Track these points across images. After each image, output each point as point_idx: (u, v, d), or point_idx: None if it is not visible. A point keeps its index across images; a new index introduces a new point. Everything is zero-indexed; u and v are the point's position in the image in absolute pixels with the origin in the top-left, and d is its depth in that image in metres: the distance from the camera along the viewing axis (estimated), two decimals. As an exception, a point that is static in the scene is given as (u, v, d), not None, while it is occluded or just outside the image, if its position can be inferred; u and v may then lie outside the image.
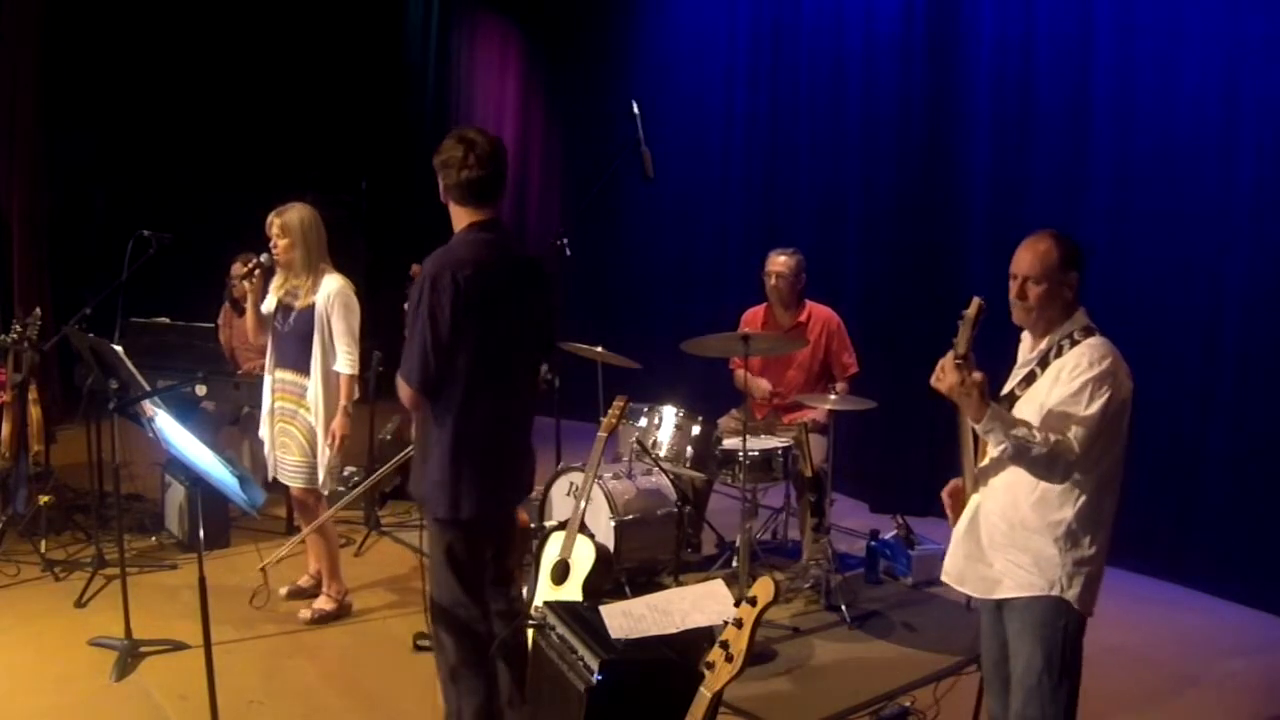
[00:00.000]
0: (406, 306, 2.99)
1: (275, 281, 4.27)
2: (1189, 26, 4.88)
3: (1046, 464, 2.53)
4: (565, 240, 4.60)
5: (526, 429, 3.18)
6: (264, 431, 4.34)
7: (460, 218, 2.98)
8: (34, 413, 5.21)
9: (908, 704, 3.67)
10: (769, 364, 5.16)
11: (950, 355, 2.59)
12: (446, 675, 3.07)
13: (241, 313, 5.84)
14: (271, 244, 4.15)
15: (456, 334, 2.84)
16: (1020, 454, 2.53)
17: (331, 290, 4.15)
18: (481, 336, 2.89)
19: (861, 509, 6.20)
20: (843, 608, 4.47)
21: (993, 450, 2.62)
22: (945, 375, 2.58)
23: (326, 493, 4.35)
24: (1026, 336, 2.80)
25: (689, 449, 4.79)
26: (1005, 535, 2.67)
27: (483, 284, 2.88)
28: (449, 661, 3.05)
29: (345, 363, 4.17)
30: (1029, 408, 2.63)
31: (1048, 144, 5.44)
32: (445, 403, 2.91)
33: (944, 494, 2.90)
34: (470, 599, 3.02)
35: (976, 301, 2.63)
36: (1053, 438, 2.50)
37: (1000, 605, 2.72)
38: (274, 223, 4.14)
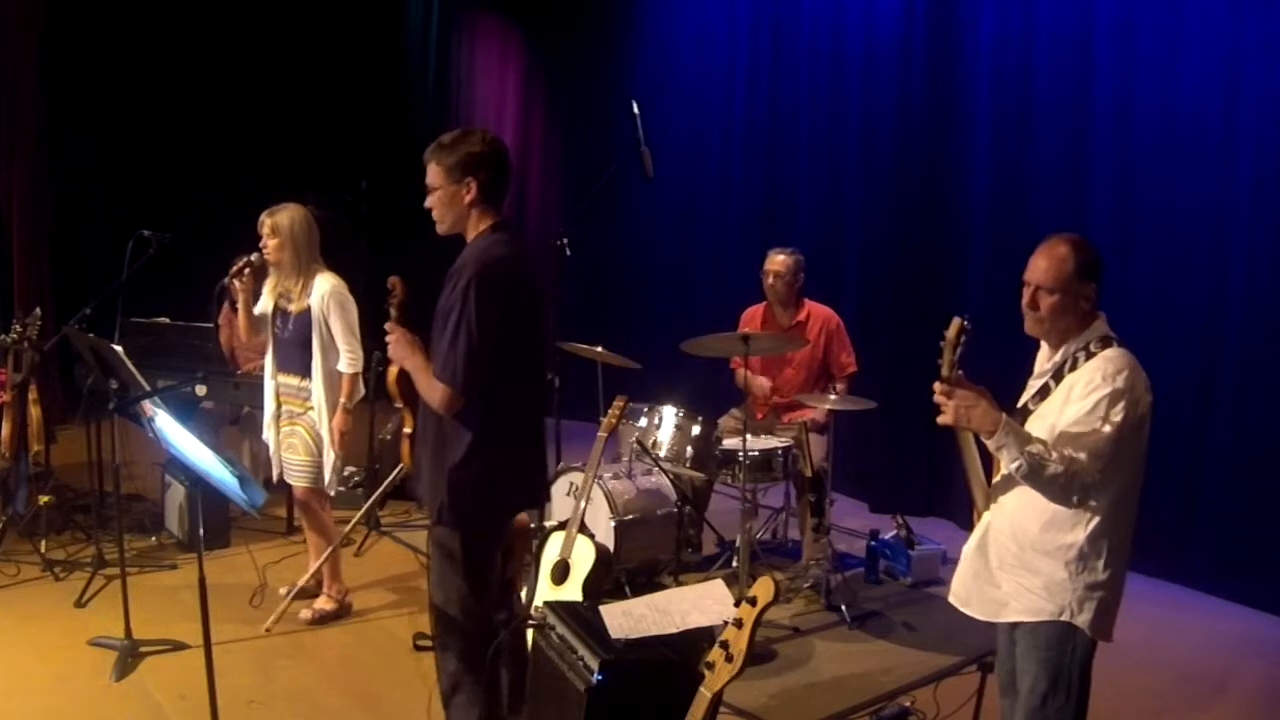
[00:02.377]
0: (388, 326, 2.97)
1: (268, 283, 4.27)
2: (1189, 26, 4.88)
3: (1063, 485, 2.38)
4: (565, 240, 4.60)
5: (544, 430, 3.17)
6: (269, 436, 4.34)
7: (478, 219, 2.92)
8: (34, 413, 5.20)
9: (908, 704, 3.67)
10: (768, 363, 5.16)
11: (938, 387, 2.48)
12: (448, 685, 3.02)
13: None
14: (262, 243, 4.16)
15: (499, 336, 2.80)
16: (1035, 472, 2.37)
17: (325, 290, 4.15)
18: (517, 338, 2.88)
19: (861, 509, 6.20)
20: (843, 608, 4.47)
21: (1006, 466, 2.48)
22: (945, 404, 2.47)
23: (332, 494, 4.35)
24: (1044, 345, 2.68)
25: (689, 449, 4.79)
26: (1015, 556, 2.57)
27: (518, 285, 2.87)
28: (453, 671, 3.00)
29: (347, 361, 4.17)
30: (1041, 425, 2.51)
31: (1048, 144, 5.43)
32: (481, 405, 2.84)
33: (975, 520, 2.81)
34: (484, 607, 2.98)
35: (956, 322, 2.51)
36: (1069, 453, 2.38)
37: (1014, 625, 2.64)
38: (265, 222, 4.15)
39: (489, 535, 2.99)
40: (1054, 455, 2.38)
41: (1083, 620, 2.50)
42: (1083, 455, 2.39)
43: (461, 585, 2.93)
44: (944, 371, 2.49)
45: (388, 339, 2.99)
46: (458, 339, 2.76)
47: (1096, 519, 2.48)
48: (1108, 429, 2.40)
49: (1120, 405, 2.41)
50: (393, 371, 3.08)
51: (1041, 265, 2.54)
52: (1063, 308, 2.52)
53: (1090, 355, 2.50)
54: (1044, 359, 2.67)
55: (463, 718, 3.00)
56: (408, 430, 3.18)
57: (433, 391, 2.83)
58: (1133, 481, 2.52)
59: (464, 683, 2.99)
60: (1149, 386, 2.50)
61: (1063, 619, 2.51)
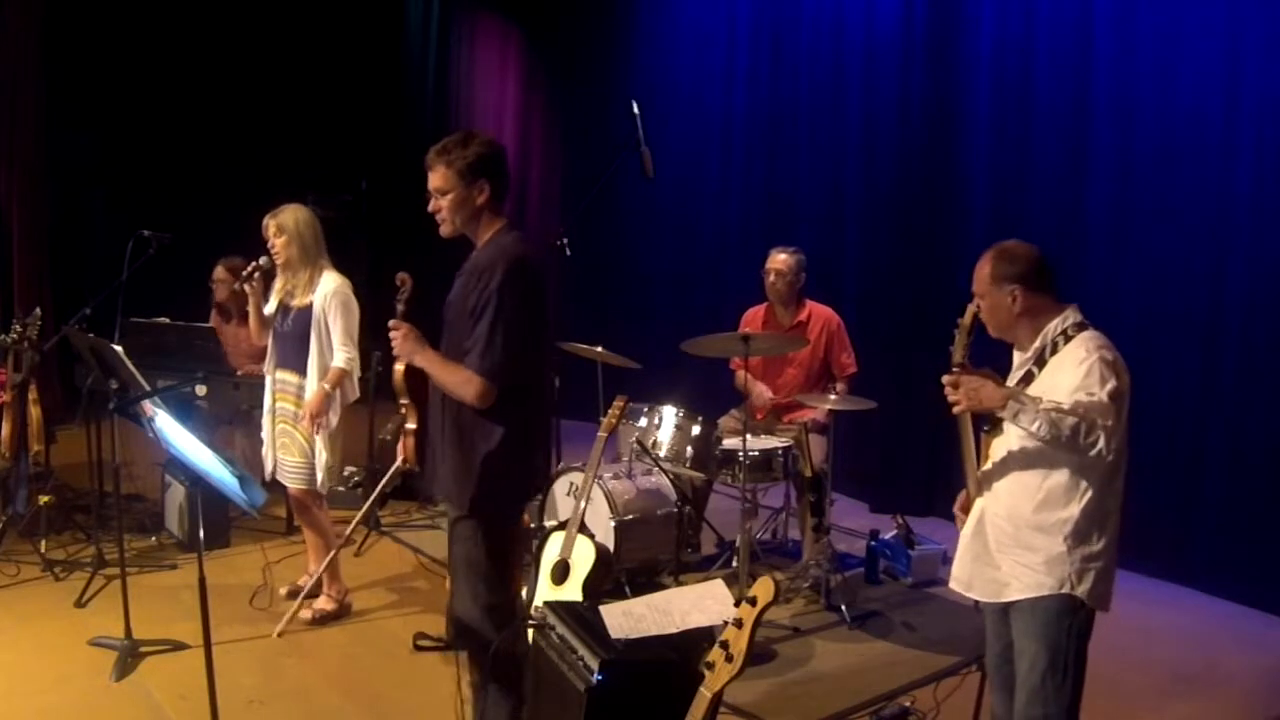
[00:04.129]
0: (394, 323, 3.00)
1: (276, 283, 4.28)
2: (1189, 26, 4.88)
3: (1085, 432, 2.47)
4: (565, 240, 4.60)
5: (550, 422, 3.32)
6: (265, 431, 4.34)
7: (490, 220, 2.97)
8: (34, 413, 5.21)
9: (908, 704, 3.67)
10: (769, 363, 5.16)
11: (946, 379, 2.60)
12: (480, 679, 3.02)
13: (227, 317, 5.85)
14: (270, 245, 4.16)
15: (530, 331, 2.90)
16: (1055, 426, 2.47)
17: (329, 289, 4.15)
18: (539, 332, 2.98)
19: (861, 509, 6.20)
20: (843, 608, 4.47)
21: (1026, 431, 2.55)
22: (959, 388, 2.58)
23: (325, 492, 4.34)
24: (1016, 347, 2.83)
25: (689, 449, 4.78)
26: (1012, 537, 2.67)
27: (538, 282, 2.96)
28: (485, 664, 2.98)
29: (341, 359, 4.15)
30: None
31: (1047, 144, 5.43)
32: (511, 398, 2.89)
33: (956, 509, 2.90)
34: (510, 597, 3.06)
35: (971, 309, 2.67)
36: (1081, 408, 2.49)
37: (1007, 606, 2.72)
38: (269, 224, 4.16)
39: (507, 523, 3.06)
40: (1068, 406, 2.50)
41: (1083, 590, 2.59)
42: (1091, 410, 2.50)
43: (494, 575, 2.97)
44: (956, 357, 2.64)
45: (392, 335, 3.00)
46: (495, 333, 2.82)
47: (1089, 493, 2.59)
48: (1109, 386, 2.53)
49: (1110, 371, 2.55)
50: (399, 368, 3.08)
51: (975, 273, 2.77)
52: (991, 309, 2.72)
53: (1069, 338, 2.65)
54: (1019, 355, 2.81)
55: (495, 713, 2.99)
56: (411, 426, 3.17)
57: (466, 385, 2.86)
58: (1120, 455, 2.61)
59: (493, 679, 2.98)
60: (1125, 367, 2.62)
61: (1063, 591, 2.60)
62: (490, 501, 2.93)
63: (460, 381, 2.87)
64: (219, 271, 5.77)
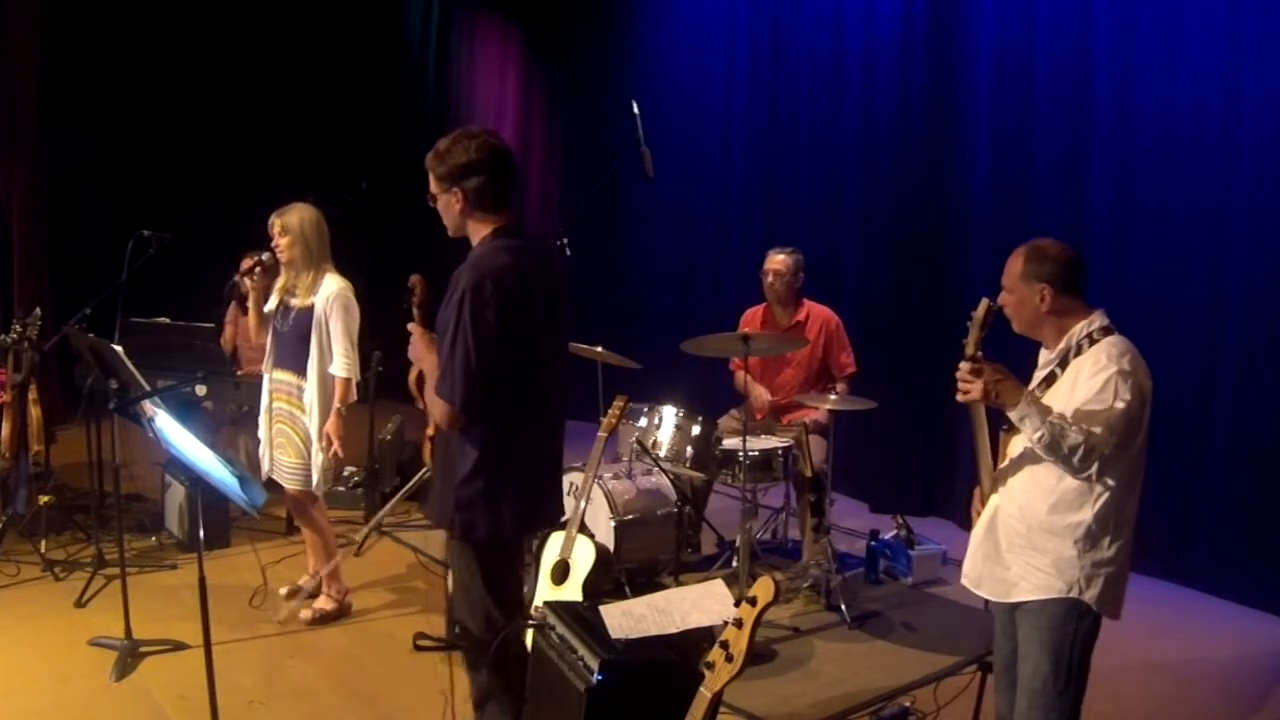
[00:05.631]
0: (410, 326, 2.93)
1: (279, 282, 4.28)
2: (1189, 26, 4.88)
3: (1082, 456, 2.47)
4: (565, 240, 4.61)
5: (562, 441, 3.06)
6: (261, 431, 4.34)
7: (481, 225, 2.83)
8: (34, 413, 5.21)
9: (908, 704, 3.67)
10: (767, 363, 5.16)
11: (964, 365, 2.59)
12: (478, 696, 2.98)
13: (246, 310, 5.85)
14: (274, 243, 4.17)
15: (500, 348, 2.69)
16: (1056, 442, 2.47)
17: (331, 292, 4.15)
18: (523, 348, 2.76)
19: (861, 509, 6.20)
20: (843, 608, 4.47)
21: (1028, 437, 2.55)
22: (971, 382, 2.57)
23: (319, 494, 4.34)
24: (1043, 346, 2.81)
25: (689, 449, 4.79)
26: (1023, 538, 2.65)
27: (523, 293, 2.75)
28: (483, 683, 2.95)
29: (341, 365, 4.15)
30: (1052, 406, 2.60)
31: (1048, 144, 5.43)
32: (484, 418, 2.75)
33: (974, 508, 2.88)
34: (507, 619, 2.90)
35: (985, 303, 2.66)
36: (1085, 428, 2.49)
37: (1015, 606, 2.71)
38: (275, 223, 4.16)
39: (503, 549, 2.90)
40: (1074, 426, 2.49)
41: (1090, 596, 2.58)
42: (1098, 429, 2.50)
43: (484, 599, 2.87)
44: (969, 350, 2.62)
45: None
46: (454, 355, 2.68)
47: (1104, 498, 2.57)
48: (1119, 404, 2.51)
49: (1128, 384, 2.53)
50: (413, 373, 3.07)
51: (1006, 268, 2.76)
52: (1017, 305, 2.72)
53: (1093, 342, 2.64)
54: (1046, 351, 2.79)
55: (496, 716, 2.95)
56: (430, 432, 3.16)
57: (435, 406, 2.76)
58: (1137, 462, 2.61)
59: (495, 693, 2.94)
60: (1148, 373, 2.61)
61: (1070, 595, 2.59)
62: (469, 527, 2.81)
63: (431, 402, 2.78)
64: (246, 263, 5.77)
